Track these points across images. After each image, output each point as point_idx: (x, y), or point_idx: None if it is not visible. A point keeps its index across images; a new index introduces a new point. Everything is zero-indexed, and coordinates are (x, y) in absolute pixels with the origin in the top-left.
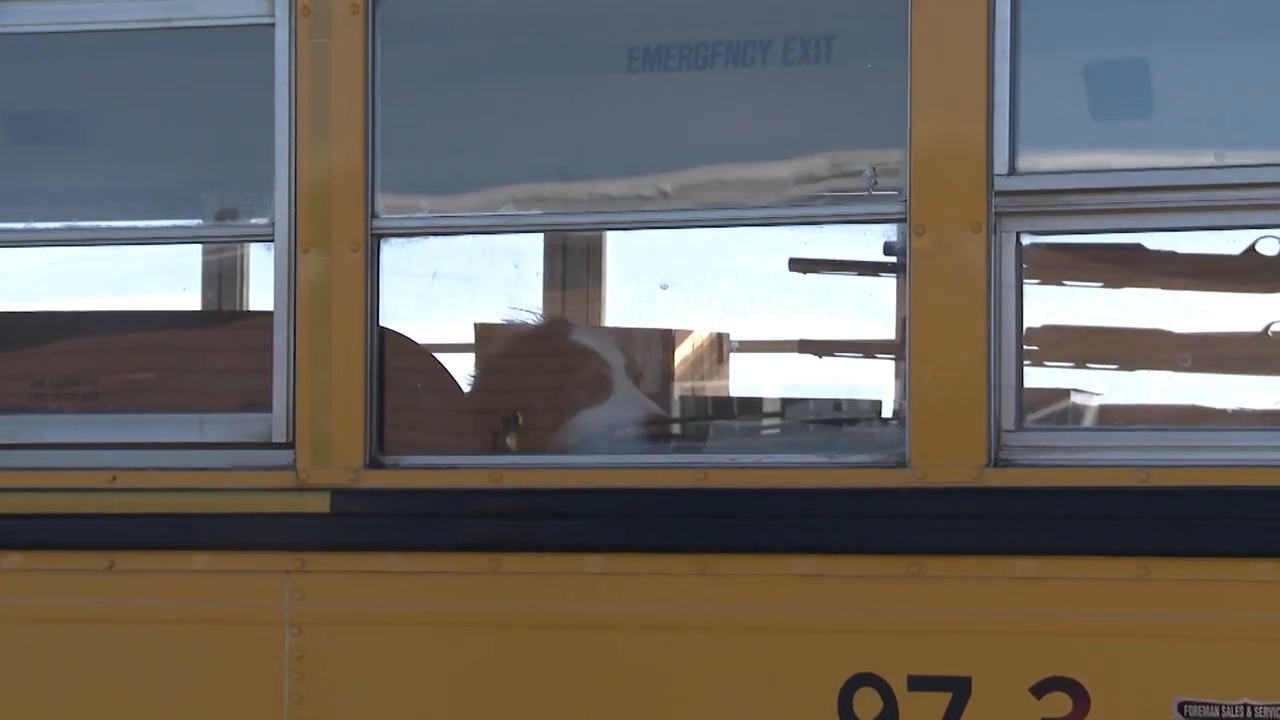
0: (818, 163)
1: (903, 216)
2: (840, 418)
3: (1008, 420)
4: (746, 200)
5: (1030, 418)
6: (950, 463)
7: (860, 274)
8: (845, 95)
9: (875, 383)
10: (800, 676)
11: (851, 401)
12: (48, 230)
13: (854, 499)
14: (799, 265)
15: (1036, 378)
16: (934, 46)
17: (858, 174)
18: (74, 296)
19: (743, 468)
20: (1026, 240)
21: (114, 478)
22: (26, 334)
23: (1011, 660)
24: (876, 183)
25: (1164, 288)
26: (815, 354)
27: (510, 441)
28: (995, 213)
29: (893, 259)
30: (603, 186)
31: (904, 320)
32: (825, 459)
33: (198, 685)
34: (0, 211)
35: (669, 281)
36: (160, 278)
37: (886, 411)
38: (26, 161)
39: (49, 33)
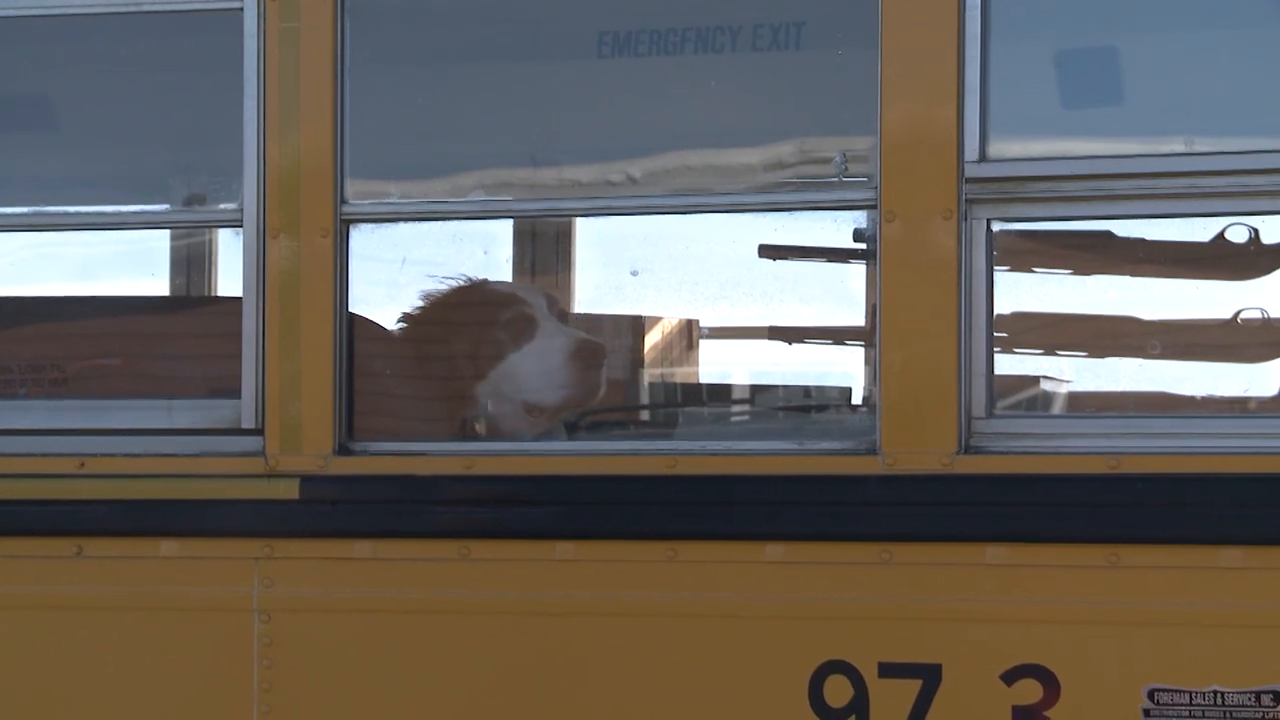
0: (787, 149)
1: (873, 203)
2: (810, 405)
3: (978, 407)
4: (716, 186)
5: (1000, 405)
6: (920, 450)
7: (830, 260)
8: (815, 82)
9: (845, 370)
10: (771, 663)
11: (821, 388)
12: (14, 215)
13: (824, 486)
14: (769, 252)
15: (1006, 365)
16: (904, 33)
17: (828, 161)
18: (41, 282)
19: (713, 454)
20: (997, 227)
21: (82, 464)
22: None
23: (982, 647)
24: (847, 169)
25: (1134, 275)
26: (785, 340)
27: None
28: (966, 199)
29: (862, 245)
30: (572, 172)
31: (874, 307)
32: (795, 446)
33: (166, 672)
34: None
35: (639, 268)
36: (128, 263)
37: (857, 399)
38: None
39: (17, 16)
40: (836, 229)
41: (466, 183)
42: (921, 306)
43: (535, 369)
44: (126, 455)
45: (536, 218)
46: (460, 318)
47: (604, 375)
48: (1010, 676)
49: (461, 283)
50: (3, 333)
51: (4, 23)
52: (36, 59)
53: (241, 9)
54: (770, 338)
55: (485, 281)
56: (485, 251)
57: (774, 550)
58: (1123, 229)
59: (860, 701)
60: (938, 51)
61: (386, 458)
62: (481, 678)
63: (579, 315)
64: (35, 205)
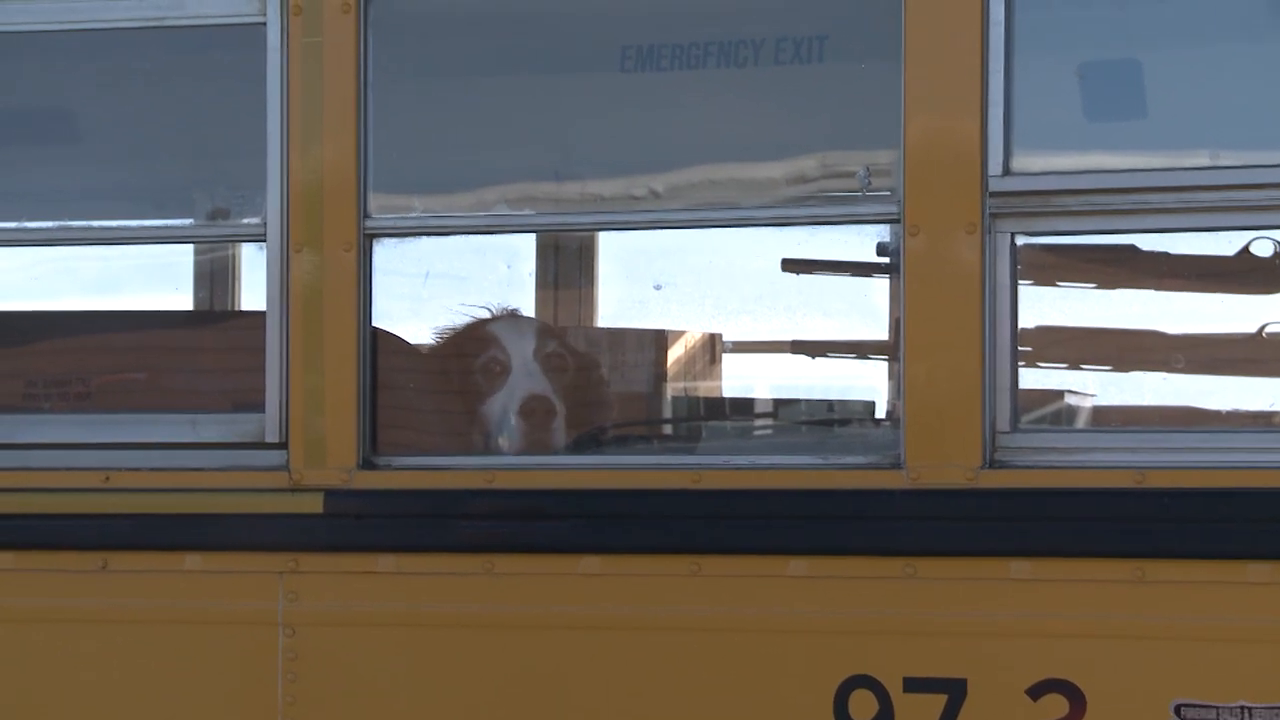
0: (811, 163)
1: (896, 217)
2: (835, 419)
3: (1003, 421)
4: (739, 200)
5: (1025, 419)
6: (945, 464)
7: (853, 275)
8: (838, 96)
9: (869, 384)
10: (796, 678)
11: (846, 403)
12: (38, 230)
13: (849, 500)
14: (792, 266)
15: (1031, 379)
16: (928, 47)
17: (851, 175)
18: (66, 296)
19: (737, 469)
20: (1020, 241)
21: (107, 478)
22: (18, 334)
23: (1007, 662)
24: (870, 183)
25: (1158, 289)
26: (808, 355)
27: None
28: (989, 213)
29: (885, 260)
30: (595, 186)
31: (898, 321)
32: (820, 460)
33: (191, 686)
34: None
35: (662, 282)
36: (151, 278)
37: (881, 413)
38: (17, 161)
39: (40, 31)
40: (859, 243)
41: (489, 197)
42: (945, 320)
43: (497, 419)
44: (151, 469)
45: (559, 232)
46: (458, 352)
47: (556, 431)
48: (1036, 691)
49: (466, 315)
50: (27, 347)
51: (29, 37)
52: (59, 73)
53: (264, 23)
54: (793, 352)
55: (480, 319)
56: (508, 265)
57: (798, 565)
58: (1147, 243)
59: (885, 716)
60: (961, 65)
61: (410, 472)
62: (506, 692)
63: (600, 330)
64: (58, 220)
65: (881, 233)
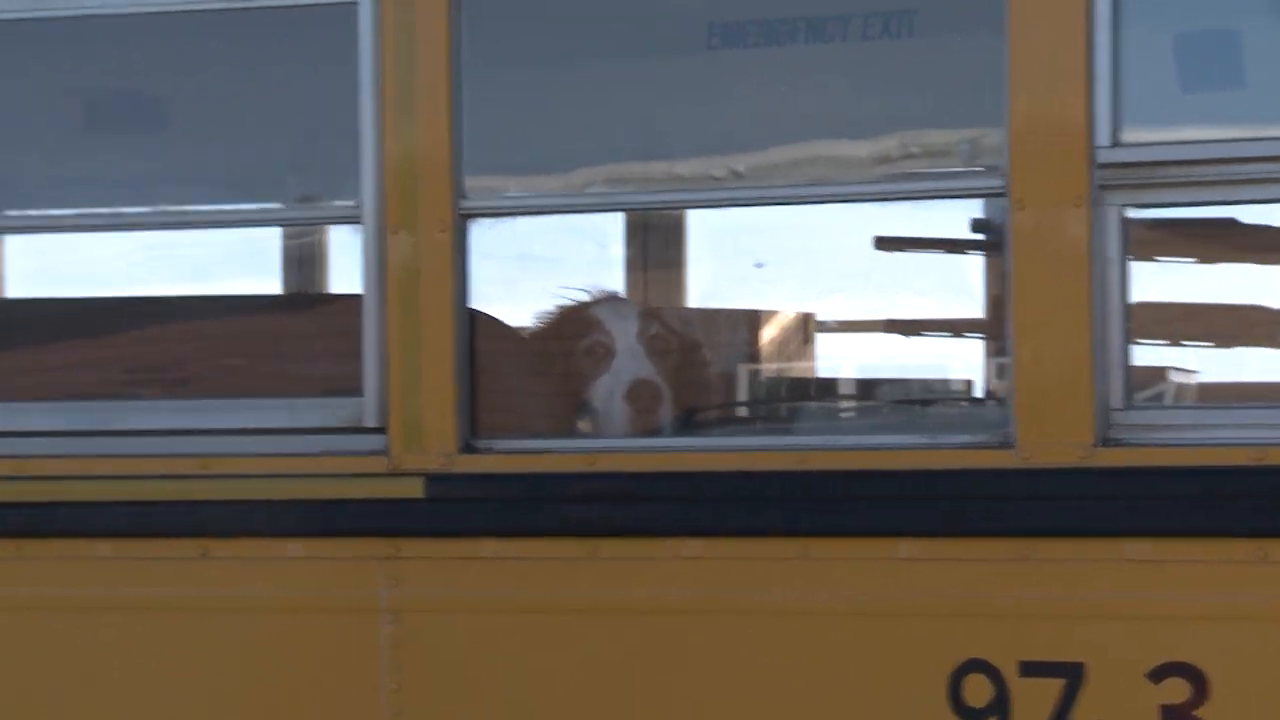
0: (910, 139)
1: (1002, 191)
2: (938, 398)
3: (1115, 398)
4: (835, 177)
5: (1137, 396)
6: (1057, 442)
7: (949, 251)
8: (933, 69)
9: (975, 362)
10: (908, 663)
11: (951, 381)
12: (132, 215)
13: (959, 480)
14: (886, 244)
15: (1142, 355)
16: (1033, 16)
17: (950, 150)
18: (161, 282)
19: (843, 449)
20: (1130, 214)
21: (205, 464)
22: (115, 320)
23: (1126, 645)
24: (975, 157)
25: (1261, 262)
26: (903, 333)
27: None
28: (1097, 186)
29: (980, 236)
30: (687, 165)
31: (1004, 297)
32: (927, 440)
33: (293, 674)
34: (86, 197)
35: (762, 260)
36: (246, 263)
37: (988, 391)
38: (111, 147)
39: (131, 14)
40: (953, 219)
41: (582, 177)
42: (1054, 295)
43: (602, 403)
44: (249, 455)
45: (655, 210)
46: (560, 335)
47: (661, 414)
48: (1157, 675)
49: (563, 298)
50: (122, 334)
51: (116, 21)
52: (149, 57)
53: (356, 3)
54: (890, 330)
55: (582, 302)
56: (601, 246)
57: (908, 547)
58: (1249, 215)
59: (1001, 701)
60: (1067, 35)
61: (511, 455)
62: (612, 677)
63: (693, 310)
64: (152, 205)
65: (975, 208)
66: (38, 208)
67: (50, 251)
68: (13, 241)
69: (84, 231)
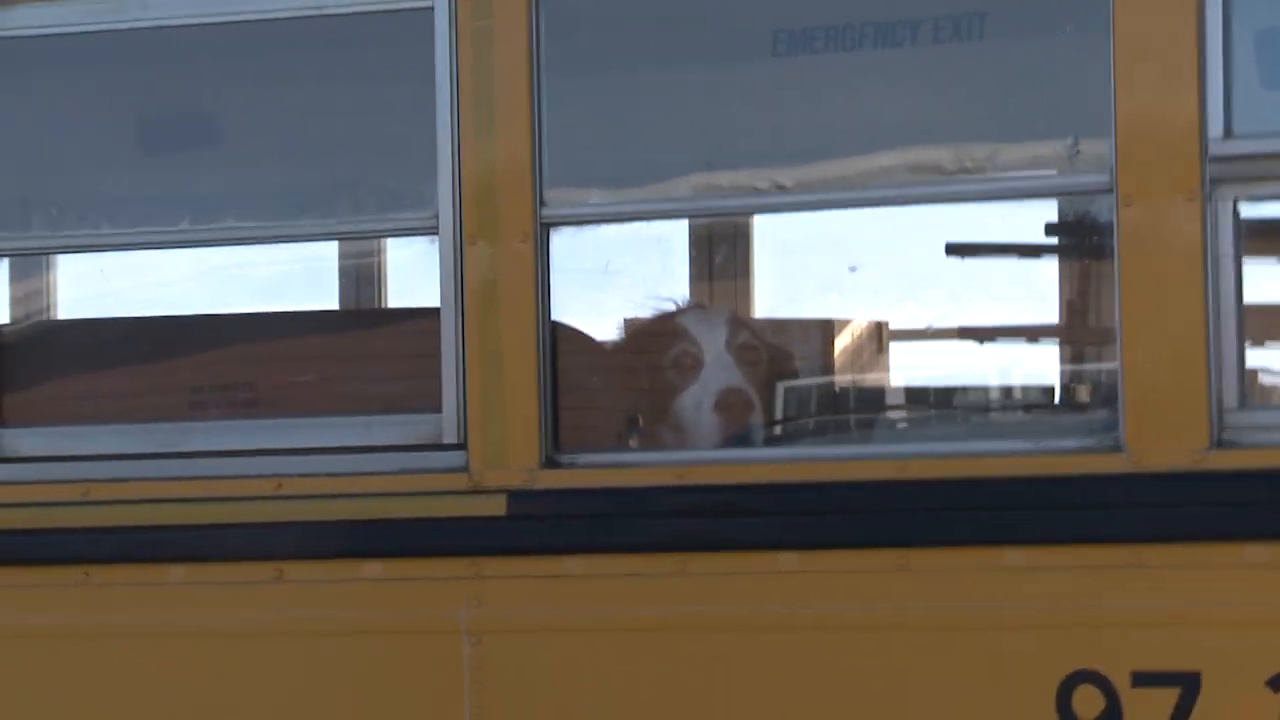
0: (1005, 136)
1: (1108, 187)
2: (1043, 403)
3: (1230, 399)
4: (920, 181)
5: (1254, 396)
6: (1169, 445)
7: (1022, 256)
8: (1019, 69)
9: (1080, 366)
10: (1014, 675)
11: (1054, 386)
12: (200, 232)
13: (1067, 486)
14: (956, 250)
15: (1258, 355)
16: (1139, 6)
17: (1045, 148)
18: (229, 301)
19: (944, 456)
20: (1244, 209)
21: (279, 484)
22: (182, 340)
23: (1244, 653)
24: (1079, 153)
25: None
26: (989, 340)
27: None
28: (1210, 179)
29: (1057, 239)
30: (767, 172)
31: (1092, 298)
32: (1032, 445)
33: (373, 699)
34: (151, 216)
35: (856, 264)
36: (316, 279)
37: (1095, 395)
38: (176, 164)
39: (196, 25)
40: (1028, 225)
41: (663, 184)
42: (1165, 294)
43: (690, 415)
44: (325, 475)
45: (739, 215)
46: (646, 345)
47: (752, 424)
48: (1278, 683)
49: (648, 308)
50: (190, 354)
51: (182, 32)
52: (220, 70)
53: (432, 8)
54: (968, 337)
55: (667, 311)
56: (682, 255)
57: (1015, 556)
58: None
59: (1113, 713)
60: (1177, 21)
61: (595, 470)
62: (705, 697)
63: (770, 321)
64: (216, 222)
65: (1062, 209)
66: (101, 227)
67: (115, 273)
68: (80, 263)
69: (149, 249)
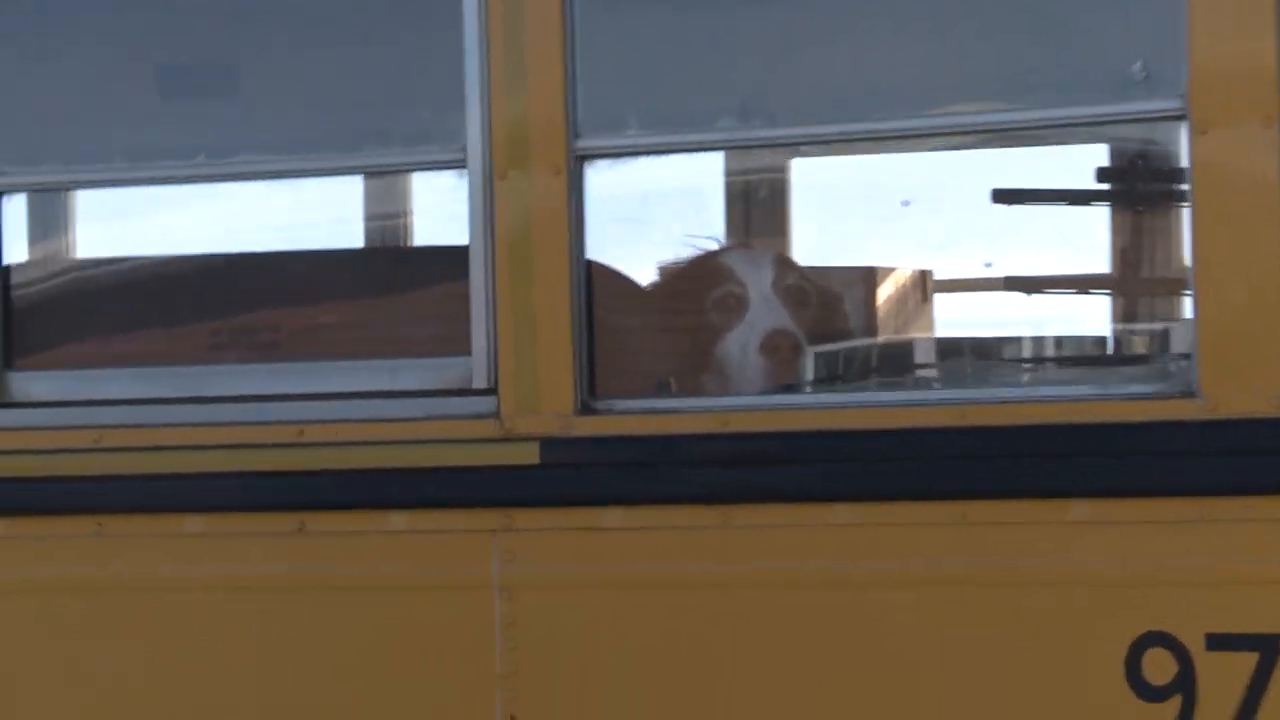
0: (1068, 56)
1: (1180, 113)
2: (1107, 351)
3: None
4: (968, 114)
5: None
6: (1246, 392)
7: (1072, 203)
8: None
9: (1148, 310)
10: (1080, 636)
11: (1117, 333)
12: (221, 170)
13: (1136, 434)
14: (1004, 197)
15: None
16: None
17: (1106, 71)
18: (250, 241)
19: (1006, 402)
20: None
21: (301, 431)
22: (201, 280)
23: None
24: (1147, 75)
25: None
26: (1035, 290)
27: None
28: None
29: (1105, 186)
30: (809, 110)
31: (1174, 239)
32: (1100, 390)
33: (399, 656)
34: (172, 152)
35: (909, 199)
36: (338, 217)
37: (1166, 340)
38: (194, 102)
39: None
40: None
41: (704, 120)
42: (1242, 229)
43: (735, 358)
44: (348, 421)
45: (780, 146)
46: (687, 286)
47: (800, 369)
48: None
49: (690, 246)
50: (208, 295)
51: None
52: (236, 10)
53: None
54: (1014, 288)
55: (710, 250)
56: (724, 197)
57: (1080, 509)
58: None
59: (1186, 678)
60: None
61: (633, 416)
62: (747, 659)
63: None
64: (242, 156)
65: (1098, 155)
66: (117, 163)
67: (133, 212)
68: (97, 201)
69: (167, 185)
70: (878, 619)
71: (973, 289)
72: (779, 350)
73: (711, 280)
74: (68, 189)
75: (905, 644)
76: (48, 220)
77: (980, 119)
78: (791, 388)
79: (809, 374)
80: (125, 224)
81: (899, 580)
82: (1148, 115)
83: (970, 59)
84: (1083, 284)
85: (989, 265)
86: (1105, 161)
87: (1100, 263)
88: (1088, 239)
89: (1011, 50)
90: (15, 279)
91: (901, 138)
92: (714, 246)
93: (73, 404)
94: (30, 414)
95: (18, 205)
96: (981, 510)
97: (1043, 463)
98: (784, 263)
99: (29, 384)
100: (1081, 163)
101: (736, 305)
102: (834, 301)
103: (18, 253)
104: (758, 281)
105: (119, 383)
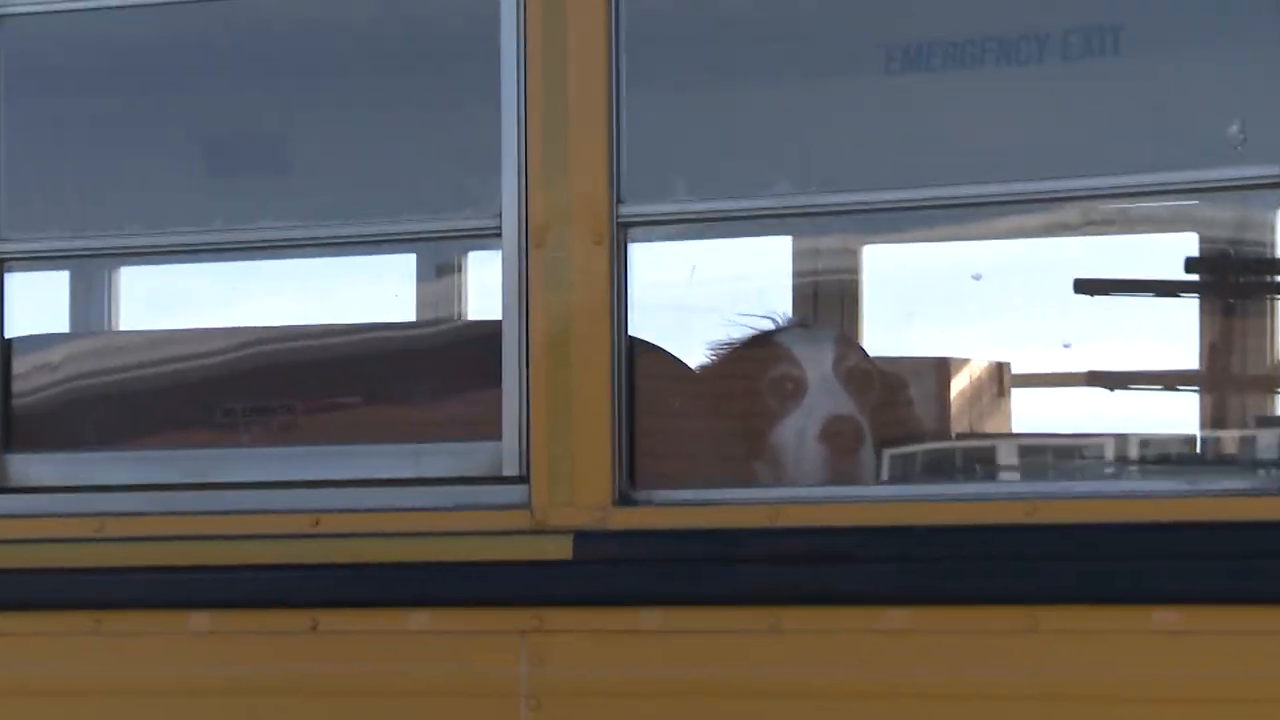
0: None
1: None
2: (1193, 448)
3: None
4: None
5: None
6: None
7: (1158, 294)
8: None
9: (1237, 406)
10: None
11: (1206, 431)
12: (243, 237)
13: (1228, 534)
14: (1086, 286)
15: None
16: None
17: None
18: (267, 313)
19: (1080, 498)
20: None
21: (317, 521)
22: (212, 355)
23: None
24: (1245, 140)
25: None
26: (1119, 386)
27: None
28: None
29: (1194, 277)
30: (876, 194)
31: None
32: (1187, 486)
33: None
34: (191, 219)
35: (980, 271)
36: (365, 290)
37: (1260, 437)
38: (213, 173)
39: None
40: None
41: (759, 181)
42: None
43: (791, 445)
44: (368, 510)
45: (837, 213)
46: (739, 367)
47: (862, 459)
48: None
49: (742, 325)
50: (224, 370)
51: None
52: (257, 68)
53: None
54: (1095, 383)
55: (764, 329)
56: (780, 270)
57: (1165, 617)
58: None
59: None
60: None
61: (676, 508)
62: None
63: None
64: (259, 223)
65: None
66: (130, 234)
67: (143, 287)
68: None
69: (184, 253)
70: None
71: (1052, 384)
72: (840, 438)
73: (767, 361)
74: (73, 257)
75: None
76: (54, 294)
77: (1060, 185)
78: (849, 479)
79: (870, 465)
80: (135, 297)
81: (959, 690)
82: (1250, 183)
83: (1048, 124)
84: (1170, 380)
85: (1068, 346)
86: (1195, 250)
87: (1183, 359)
88: (1175, 331)
89: (1096, 115)
90: (17, 354)
91: (972, 205)
92: (769, 325)
93: (73, 489)
94: (28, 500)
95: (21, 279)
96: (1054, 616)
97: (1121, 564)
98: (845, 343)
99: (28, 467)
100: (1170, 252)
101: (794, 389)
102: (898, 387)
103: (17, 325)
104: (817, 362)
105: (122, 466)
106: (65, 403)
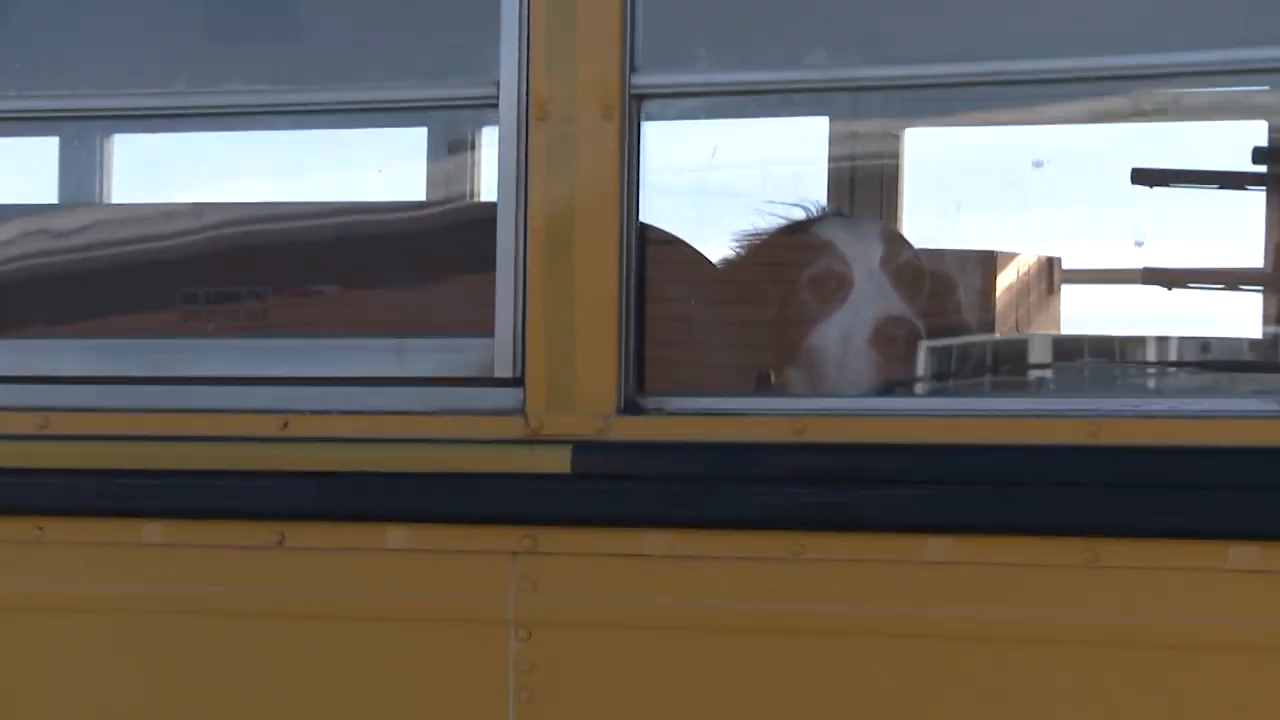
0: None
1: None
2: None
3: None
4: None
5: None
6: None
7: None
8: None
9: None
10: (1238, 703)
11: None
12: (218, 105)
13: None
14: (1144, 177)
15: None
16: None
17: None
18: (237, 189)
19: (1150, 416)
20: None
21: (286, 423)
22: (175, 235)
23: None
24: None
25: None
26: (1180, 285)
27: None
28: None
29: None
30: (919, 68)
31: None
32: (1272, 406)
33: (391, 701)
34: (162, 83)
35: (1041, 159)
36: (346, 159)
37: None
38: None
39: None
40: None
41: (792, 51)
42: None
43: (834, 350)
44: (343, 413)
45: (875, 89)
46: (771, 260)
47: (916, 360)
48: None
49: (772, 213)
50: (187, 251)
51: None
52: None
53: None
54: (1155, 280)
55: (800, 219)
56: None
57: (1243, 553)
58: None
59: None
60: None
61: (689, 418)
62: (819, 716)
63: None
64: (243, 91)
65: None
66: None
67: (104, 154)
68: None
69: (147, 116)
70: (980, 677)
71: (1106, 280)
72: (894, 342)
73: (802, 254)
74: (22, 118)
75: (1019, 708)
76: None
77: (1122, 61)
78: (893, 389)
79: (918, 373)
80: (97, 166)
81: (1010, 633)
82: None
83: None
84: (1232, 279)
85: (1140, 244)
86: (1263, 141)
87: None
88: (1239, 227)
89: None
90: None
91: (1029, 82)
92: (802, 214)
93: (14, 380)
94: None
95: None
96: (1115, 550)
97: (1195, 493)
98: (894, 236)
99: None
100: (1236, 143)
101: (838, 286)
102: (951, 287)
103: None
104: (864, 257)
105: (70, 356)
106: (7, 284)
